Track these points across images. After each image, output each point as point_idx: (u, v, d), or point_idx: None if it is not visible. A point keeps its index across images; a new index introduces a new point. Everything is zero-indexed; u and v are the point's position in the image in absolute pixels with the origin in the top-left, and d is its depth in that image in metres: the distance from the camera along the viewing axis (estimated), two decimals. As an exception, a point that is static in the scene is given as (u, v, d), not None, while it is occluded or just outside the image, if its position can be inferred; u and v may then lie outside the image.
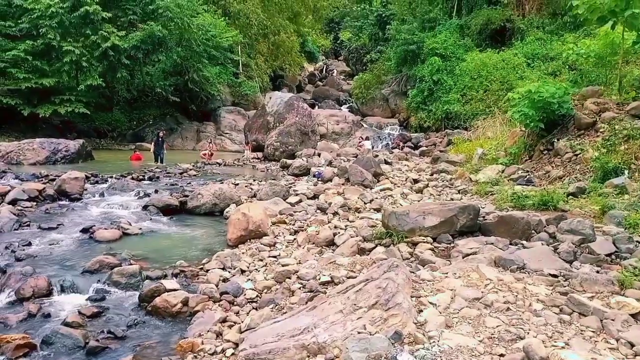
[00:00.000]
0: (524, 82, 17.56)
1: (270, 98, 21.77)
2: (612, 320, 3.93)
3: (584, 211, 7.81)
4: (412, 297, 4.51)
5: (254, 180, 12.95)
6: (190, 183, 12.76)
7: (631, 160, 9.06)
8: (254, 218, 7.74)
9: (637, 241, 6.32)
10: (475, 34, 25.06)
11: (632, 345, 3.56)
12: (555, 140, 11.05)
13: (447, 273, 5.17)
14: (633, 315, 4.16)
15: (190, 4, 24.14)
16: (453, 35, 25.15)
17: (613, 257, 6.01)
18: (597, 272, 5.43)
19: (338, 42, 48.57)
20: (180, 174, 14.54)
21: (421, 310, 4.20)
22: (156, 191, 11.32)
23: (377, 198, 10.01)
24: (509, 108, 13.50)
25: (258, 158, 19.07)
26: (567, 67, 18.10)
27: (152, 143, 18.83)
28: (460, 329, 3.86)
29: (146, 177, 13.41)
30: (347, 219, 8.38)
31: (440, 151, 17.40)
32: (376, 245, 6.86)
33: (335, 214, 8.75)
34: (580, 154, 10.11)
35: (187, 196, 10.34)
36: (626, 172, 8.89)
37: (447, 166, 13.47)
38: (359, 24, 40.22)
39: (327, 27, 48.18)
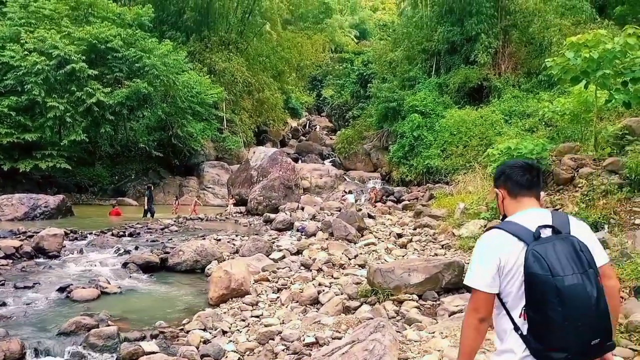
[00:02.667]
0: (502, 138, 18.00)
1: (254, 152, 21.86)
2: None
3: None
4: (399, 358, 4.41)
5: (237, 236, 12.83)
6: (171, 239, 12.57)
7: (610, 215, 9.21)
8: (236, 276, 7.61)
9: (621, 297, 6.35)
10: (453, 91, 25.86)
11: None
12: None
13: (433, 332, 5.09)
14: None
15: (177, 62, 24.61)
16: (432, 93, 25.90)
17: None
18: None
19: (321, 98, 49.67)
20: (162, 229, 14.34)
21: (410, 373, 4.11)
22: (136, 248, 11.13)
23: (361, 253, 9.96)
24: (489, 163, 13.76)
25: (241, 212, 18.97)
26: (544, 123, 18.64)
27: (145, 198, 18.59)
28: (449, 392, 3.77)
29: (127, 233, 13.20)
30: (332, 276, 8.29)
31: (423, 205, 17.51)
32: (362, 304, 6.76)
33: (319, 270, 8.66)
34: (560, 209, 10.27)
35: (168, 253, 10.17)
36: (606, 226, 9.02)
37: (430, 220, 13.52)
38: (341, 82, 41.32)
39: (310, 85, 49.32)
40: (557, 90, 19.65)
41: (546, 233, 2.01)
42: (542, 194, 2.27)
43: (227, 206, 20.44)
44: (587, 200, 9.76)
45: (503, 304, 2.04)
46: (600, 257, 2.07)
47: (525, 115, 21.54)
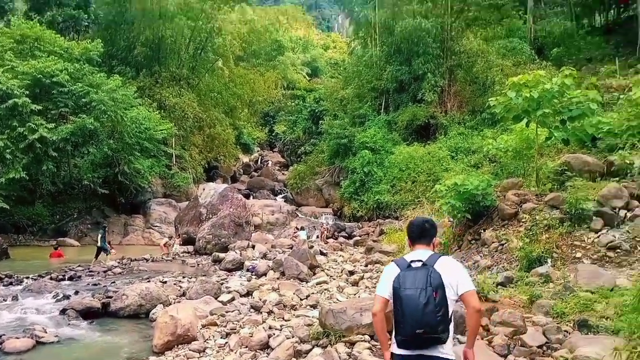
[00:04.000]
0: (449, 173, 18.52)
1: (204, 189, 21.44)
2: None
3: (513, 301, 7.98)
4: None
5: (184, 277, 12.39)
6: (114, 282, 12.01)
7: (553, 249, 9.51)
8: (183, 321, 7.29)
9: (565, 331, 6.47)
10: (402, 129, 26.53)
11: None
12: (482, 230, 11.49)
13: (385, 376, 4.99)
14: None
15: (125, 97, 24.12)
16: (382, 130, 26.48)
17: (544, 348, 6.09)
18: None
19: (273, 134, 49.81)
20: (104, 272, 13.70)
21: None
22: (76, 292, 10.56)
23: (313, 293, 9.80)
24: (436, 199, 14.05)
25: (189, 252, 18.41)
26: (488, 159, 19.31)
27: (99, 236, 17.40)
28: None
29: (66, 277, 12.53)
30: (283, 318, 8.08)
31: (374, 241, 17.61)
32: (313, 347, 6.60)
33: (270, 312, 8.44)
34: (505, 243, 10.53)
35: (110, 297, 9.67)
36: (549, 260, 9.29)
37: (380, 256, 13.58)
38: (294, 118, 41.67)
39: (262, 120, 49.46)
40: (500, 128, 20.48)
41: (417, 264, 3.15)
42: (436, 239, 3.39)
43: (173, 245, 19.72)
44: (531, 235, 10.06)
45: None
46: (462, 287, 3.11)
47: (471, 151, 22.29)
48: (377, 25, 29.64)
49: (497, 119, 19.79)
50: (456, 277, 3.11)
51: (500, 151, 15.51)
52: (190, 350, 6.86)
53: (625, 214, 9.74)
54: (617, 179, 11.33)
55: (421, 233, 3.35)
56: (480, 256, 10.75)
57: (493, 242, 10.76)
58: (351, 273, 11.98)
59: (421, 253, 3.24)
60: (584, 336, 6.03)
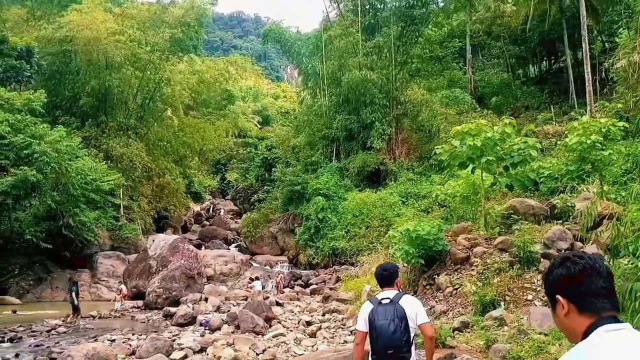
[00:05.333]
0: (401, 218, 18.81)
1: (154, 241, 20.82)
2: None
3: (470, 346, 8.05)
4: None
5: (133, 334, 11.82)
6: (59, 342, 11.30)
7: (505, 292, 9.73)
8: (134, 384, 6.90)
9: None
10: (353, 175, 26.94)
11: None
12: (436, 275, 11.64)
13: None
14: None
15: (70, 148, 23.44)
16: (334, 177, 26.78)
17: (504, 394, 6.12)
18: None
19: (225, 182, 49.41)
20: (48, 331, 12.89)
21: None
22: (17, 355, 9.84)
23: (270, 347, 9.55)
24: (390, 244, 14.19)
25: (138, 307, 17.63)
26: (437, 204, 19.80)
27: (73, 294, 16.28)
28: None
29: (6, 339, 11.69)
30: (239, 375, 7.80)
31: (330, 289, 17.47)
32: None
33: (225, 370, 8.13)
34: (459, 288, 10.69)
35: (54, 359, 9.08)
36: (502, 304, 9.48)
37: (337, 305, 13.45)
38: (246, 166, 41.61)
39: (214, 168, 49.07)
40: (447, 174, 21.12)
41: (386, 301, 3.95)
42: (399, 280, 4.33)
43: (116, 300, 18.77)
44: (483, 278, 10.27)
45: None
46: (420, 319, 3.95)
47: (420, 196, 22.81)
48: (325, 76, 30.46)
49: (444, 166, 20.50)
50: (415, 310, 3.98)
51: (449, 196, 15.98)
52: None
53: (570, 255, 10.13)
54: (561, 221, 11.84)
55: (384, 278, 4.22)
56: (436, 301, 10.85)
57: (447, 287, 10.89)
58: (308, 324, 11.79)
59: (388, 293, 4.09)
60: (540, 380, 6.12)
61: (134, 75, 32.72)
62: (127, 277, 20.05)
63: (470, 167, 12.90)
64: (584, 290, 1.63)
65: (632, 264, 7.20)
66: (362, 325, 4.02)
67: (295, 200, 27.13)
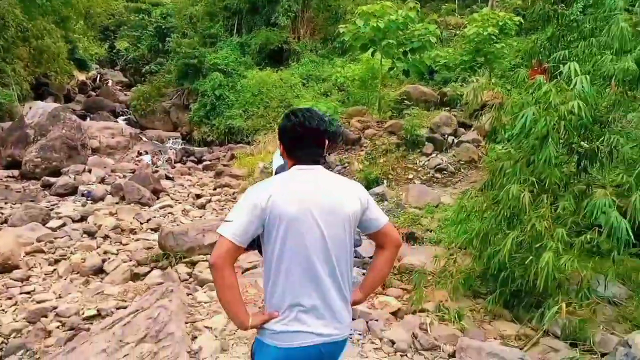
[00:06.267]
0: (300, 100, 18.65)
1: (31, 108, 18.94)
2: (376, 321, 4.22)
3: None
4: (187, 322, 4.19)
5: (6, 203, 11.01)
6: None
7: (389, 171, 10.21)
8: (2, 249, 6.48)
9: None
10: (255, 52, 25.83)
11: (393, 343, 3.85)
12: (327, 154, 11.89)
13: (225, 292, 4.98)
14: (393, 313, 4.53)
15: None
16: (234, 53, 25.51)
17: (376, 259, 6.59)
18: (363, 274, 5.86)
19: (114, 51, 45.29)
20: None
21: (196, 337, 3.91)
22: None
23: (155, 217, 9.38)
24: (287, 124, 14.11)
25: (14, 176, 16.36)
26: (337, 88, 19.77)
27: None
28: (237, 351, 3.69)
29: None
30: (120, 242, 7.62)
31: (224, 165, 17.33)
32: (152, 269, 6.35)
33: (106, 237, 7.89)
34: (348, 166, 11.04)
35: None
36: (385, 181, 9.97)
37: (230, 180, 13.42)
38: (137, 34, 38.10)
39: (102, 35, 44.48)
40: (349, 57, 20.96)
41: None
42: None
43: None
44: (370, 158, 10.66)
45: None
46: None
47: (321, 79, 22.58)
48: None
49: (347, 48, 20.21)
50: None
51: (348, 79, 15.96)
52: (11, 279, 6.17)
53: (453, 139, 10.73)
54: (449, 108, 12.36)
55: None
56: (325, 179, 11.15)
57: (337, 165, 11.20)
58: (198, 196, 11.69)
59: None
60: (410, 247, 6.63)
61: None
62: (1, 145, 18.32)
63: (371, 50, 12.81)
64: (291, 141, 2.20)
65: (505, 149, 7.77)
66: None
67: (190, 75, 25.71)
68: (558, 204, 4.39)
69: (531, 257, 4.06)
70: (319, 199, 2.09)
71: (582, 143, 4.89)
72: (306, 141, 2.16)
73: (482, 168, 10.03)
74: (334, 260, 2.11)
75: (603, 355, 3.79)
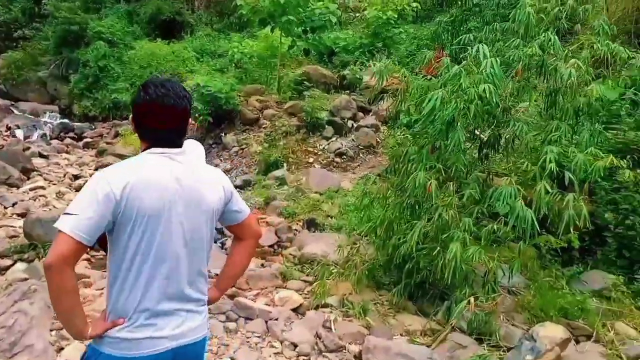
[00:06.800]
0: (194, 75, 17.65)
1: None
2: (276, 320, 3.86)
3: (250, 203, 8.01)
4: (52, 330, 3.53)
5: None
6: None
7: (289, 154, 9.85)
8: None
9: (295, 230, 6.73)
10: (144, 22, 24.07)
11: (295, 345, 3.52)
12: (223, 134, 11.26)
13: (103, 289, 4.33)
14: (295, 310, 4.20)
15: None
16: (121, 21, 23.59)
17: (276, 247, 6.22)
18: (262, 265, 5.46)
19: (-20, 11, 40.13)
20: None
21: (62, 348, 3.29)
22: None
23: (24, 200, 8.23)
24: (179, 100, 13.20)
25: None
26: (233, 65, 19.01)
27: None
28: None
29: None
30: (-24, 230, 6.52)
31: (107, 143, 15.99)
32: (15, 262, 5.46)
33: (-43, 225, 6.72)
34: (246, 147, 10.52)
35: None
36: (285, 165, 9.61)
37: (114, 160, 12.27)
38: (8, -7, 34.00)
39: (-37, -9, 39.18)
40: (246, 34, 20.23)
41: None
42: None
43: None
44: (270, 140, 10.22)
45: None
46: None
47: (217, 55, 21.60)
48: None
49: (244, 23, 19.49)
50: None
51: (245, 56, 15.32)
52: None
53: (353, 124, 10.62)
54: (349, 91, 12.23)
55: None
56: (221, 159, 10.57)
57: (234, 146, 10.64)
58: (76, 177, 10.58)
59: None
60: (311, 234, 6.34)
61: None
62: None
63: (270, 26, 12.30)
64: (144, 120, 1.91)
65: (404, 135, 7.73)
66: None
67: (71, 43, 23.39)
68: (463, 192, 4.30)
69: (438, 247, 3.92)
70: (178, 189, 1.84)
71: (485, 129, 4.86)
72: (161, 122, 1.88)
73: (381, 153, 10.03)
74: (192, 257, 1.89)
75: (509, 349, 3.76)
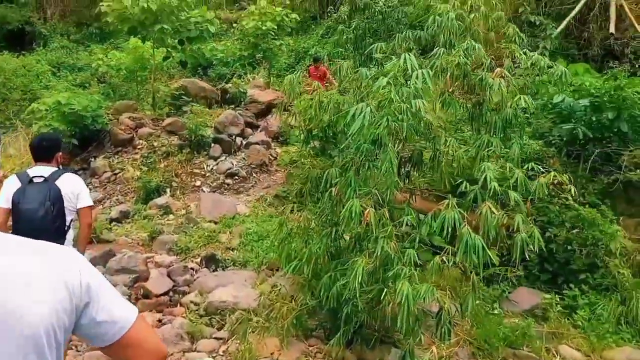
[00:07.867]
0: (50, 92, 15.57)
1: None
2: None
3: (131, 239, 6.87)
4: None
5: None
6: None
7: (172, 178, 8.77)
8: None
9: (192, 269, 5.78)
10: (-13, 32, 21.03)
11: None
12: (92, 158, 9.80)
13: None
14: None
15: None
16: (-45, 30, 20.31)
17: (172, 294, 5.23)
18: (160, 321, 4.48)
19: None
20: None
21: None
22: None
23: None
24: (34, 121, 11.36)
25: None
26: (97, 79, 17.17)
27: None
28: None
29: None
30: None
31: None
32: None
33: None
34: (120, 173, 9.21)
35: None
36: (168, 190, 8.53)
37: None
38: None
39: None
40: (110, 45, 18.51)
41: (39, 180, 3.49)
42: (60, 154, 3.74)
43: None
44: (149, 163, 9.04)
45: None
46: (80, 202, 3.62)
47: (77, 68, 19.46)
48: None
49: (107, 34, 17.79)
50: (76, 192, 3.57)
51: (112, 69, 13.80)
52: None
53: (242, 141, 9.82)
54: (233, 106, 11.41)
55: (41, 151, 3.63)
56: (90, 188, 9.12)
57: (105, 172, 9.26)
58: None
59: (43, 169, 3.55)
60: (213, 274, 5.44)
61: None
62: None
63: (140, 36, 11.09)
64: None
65: (300, 152, 7.15)
66: (5, 201, 3.43)
67: None
68: (396, 219, 3.78)
69: (382, 287, 3.34)
70: None
71: (406, 147, 4.41)
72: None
73: (274, 172, 9.36)
74: None
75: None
